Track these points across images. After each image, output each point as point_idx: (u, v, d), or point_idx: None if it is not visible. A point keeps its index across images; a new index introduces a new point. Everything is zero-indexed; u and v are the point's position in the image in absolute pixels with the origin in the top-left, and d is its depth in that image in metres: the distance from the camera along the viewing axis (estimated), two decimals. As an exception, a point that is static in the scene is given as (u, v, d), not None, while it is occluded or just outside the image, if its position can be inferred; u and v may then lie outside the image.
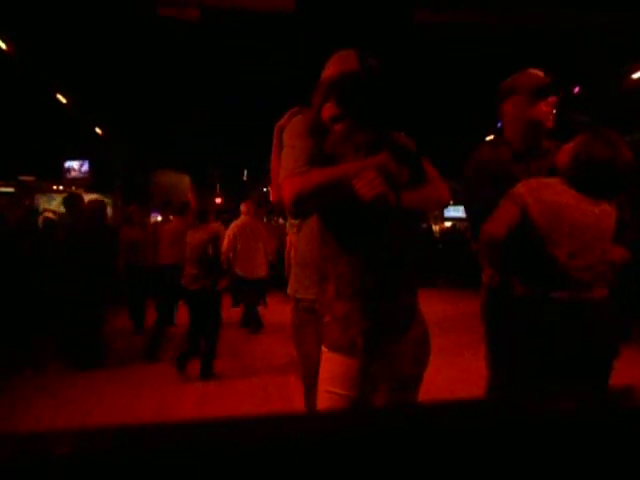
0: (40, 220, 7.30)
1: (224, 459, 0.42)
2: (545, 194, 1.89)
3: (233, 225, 6.44)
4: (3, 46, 8.96)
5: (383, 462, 0.43)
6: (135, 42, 9.61)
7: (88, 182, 15.80)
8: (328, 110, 1.66)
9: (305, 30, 8.89)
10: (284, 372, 4.67)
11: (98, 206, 5.39)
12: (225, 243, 5.75)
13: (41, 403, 3.89)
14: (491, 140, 2.30)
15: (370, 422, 0.47)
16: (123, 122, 14.65)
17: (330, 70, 1.83)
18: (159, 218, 16.83)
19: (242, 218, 6.47)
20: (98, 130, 15.63)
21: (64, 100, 12.60)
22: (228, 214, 17.10)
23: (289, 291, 1.89)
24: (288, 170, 1.57)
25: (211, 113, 13.55)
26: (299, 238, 1.88)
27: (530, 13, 7.50)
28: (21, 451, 0.40)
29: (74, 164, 16.54)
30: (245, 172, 22.28)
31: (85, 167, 16.61)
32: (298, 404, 3.91)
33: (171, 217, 6.24)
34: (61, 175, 16.25)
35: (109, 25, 8.87)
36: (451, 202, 1.75)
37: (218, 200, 18.81)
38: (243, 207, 6.66)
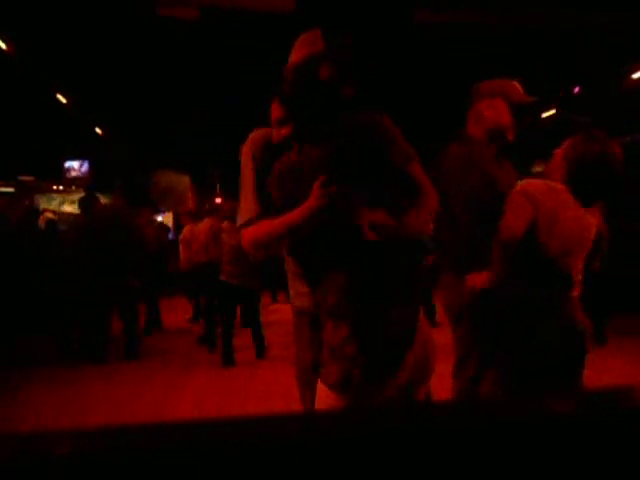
0: (41, 220, 7.31)
1: (224, 459, 0.42)
2: (549, 197, 1.92)
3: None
4: (3, 46, 8.95)
5: (383, 462, 0.43)
6: (135, 42, 9.61)
7: (88, 182, 15.79)
8: (274, 110, 1.51)
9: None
10: (284, 372, 4.67)
11: (120, 206, 5.47)
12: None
13: (41, 403, 3.89)
14: (462, 136, 2.28)
15: (370, 422, 0.47)
16: (123, 122, 14.64)
17: (295, 55, 1.63)
18: (159, 218, 16.84)
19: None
20: (98, 130, 15.62)
21: (64, 100, 12.59)
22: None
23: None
24: (240, 215, 1.55)
25: (211, 113, 13.54)
26: None
27: (530, 13, 7.49)
28: (21, 451, 0.40)
29: (74, 164, 16.54)
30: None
31: (85, 167, 16.60)
32: (298, 404, 3.91)
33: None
34: (61, 175, 16.24)
35: (109, 25, 8.87)
36: None
37: (218, 200, 18.81)
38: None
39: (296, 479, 0.43)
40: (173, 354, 5.48)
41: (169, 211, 15.91)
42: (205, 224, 6.07)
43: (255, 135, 1.62)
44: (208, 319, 5.75)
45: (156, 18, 7.23)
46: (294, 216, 1.40)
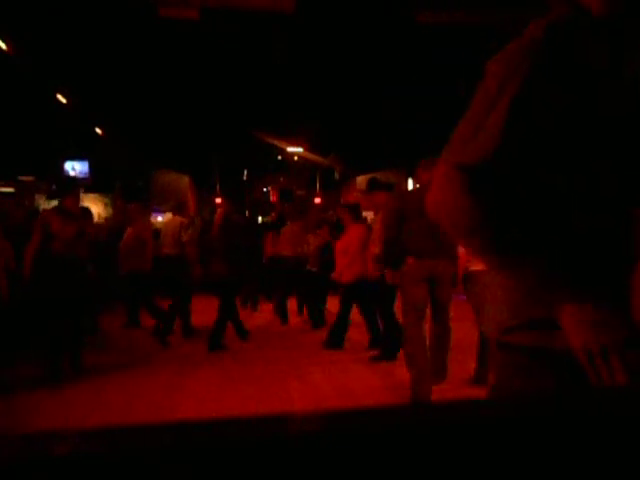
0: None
1: (224, 459, 0.42)
2: None
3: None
4: (3, 46, 8.96)
5: (383, 462, 0.43)
6: (135, 42, 9.62)
7: (88, 182, 15.80)
8: None
9: (305, 31, 8.89)
10: (284, 373, 4.67)
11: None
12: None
13: (40, 403, 3.89)
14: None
15: (370, 422, 0.47)
16: (123, 122, 14.66)
17: None
18: (159, 218, 16.85)
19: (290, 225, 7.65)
20: (98, 130, 15.64)
21: (64, 100, 12.60)
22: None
23: (488, 331, 1.13)
24: (459, 142, 0.96)
25: (211, 113, 13.56)
26: None
27: (531, 14, 7.50)
28: (21, 451, 0.40)
29: (74, 164, 16.55)
30: (245, 172, 22.30)
31: (85, 167, 16.62)
32: (298, 404, 3.91)
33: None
34: (61, 175, 16.25)
35: (109, 25, 8.88)
36: None
37: (218, 200, 18.83)
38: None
39: (296, 478, 0.43)
40: (173, 354, 5.48)
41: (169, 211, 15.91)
42: (290, 227, 7.55)
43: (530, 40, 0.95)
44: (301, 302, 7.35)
45: (157, 19, 7.25)
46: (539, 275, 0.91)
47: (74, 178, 13.33)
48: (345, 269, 5.30)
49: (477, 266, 3.88)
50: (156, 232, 7.40)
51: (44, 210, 6.20)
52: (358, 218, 5.68)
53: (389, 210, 4.20)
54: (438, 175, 0.98)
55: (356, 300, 5.42)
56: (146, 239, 6.55)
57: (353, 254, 5.25)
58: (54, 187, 6.94)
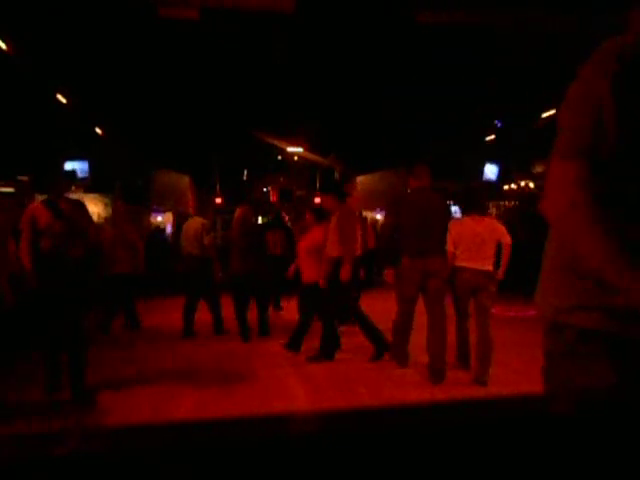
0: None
1: (224, 459, 0.42)
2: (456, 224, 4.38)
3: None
4: (3, 46, 8.96)
5: (383, 462, 0.43)
6: (135, 42, 9.61)
7: (88, 182, 15.77)
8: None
9: (305, 31, 8.89)
10: (284, 372, 4.67)
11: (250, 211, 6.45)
12: None
13: (40, 403, 3.88)
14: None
15: (370, 422, 0.47)
16: (123, 122, 14.66)
17: None
18: (159, 218, 16.81)
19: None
20: (98, 130, 15.64)
21: (64, 100, 12.60)
22: (229, 214, 17.08)
23: (542, 310, 1.13)
24: (561, 149, 1.05)
25: (211, 113, 13.55)
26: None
27: (531, 16, 7.50)
28: (21, 451, 0.40)
29: (74, 164, 16.53)
30: (245, 172, 22.28)
31: (85, 167, 16.59)
32: (298, 404, 3.91)
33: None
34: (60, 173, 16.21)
35: (109, 25, 8.88)
36: None
37: (218, 200, 18.79)
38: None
39: (296, 477, 0.43)
40: (173, 353, 5.48)
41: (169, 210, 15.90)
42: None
43: (616, 44, 1.02)
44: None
45: (157, 19, 7.25)
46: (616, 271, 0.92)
47: (67, 172, 13.28)
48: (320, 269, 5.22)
49: (460, 262, 4.24)
50: (156, 232, 7.39)
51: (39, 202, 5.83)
52: (321, 219, 5.51)
53: (386, 210, 4.64)
54: (554, 177, 1.04)
55: (313, 301, 5.29)
56: (135, 242, 6.56)
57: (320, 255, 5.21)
58: (36, 178, 6.57)
